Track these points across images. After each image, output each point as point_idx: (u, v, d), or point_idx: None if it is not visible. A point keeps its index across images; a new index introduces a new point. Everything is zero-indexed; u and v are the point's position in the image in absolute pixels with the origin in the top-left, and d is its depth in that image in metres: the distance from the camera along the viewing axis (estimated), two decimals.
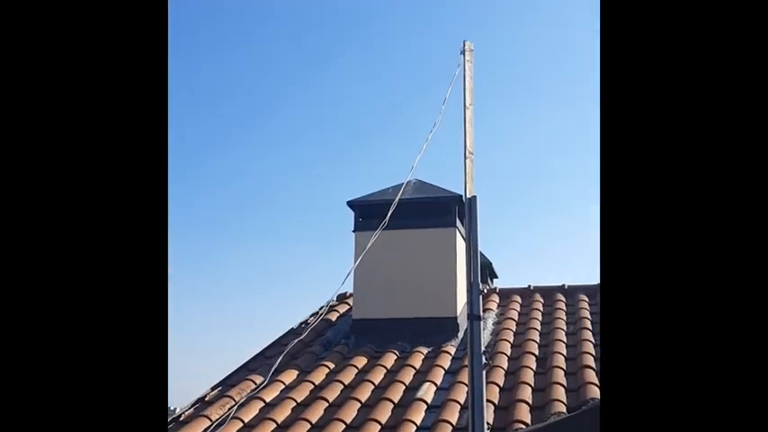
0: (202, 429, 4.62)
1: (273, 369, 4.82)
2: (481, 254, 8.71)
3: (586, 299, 6.96)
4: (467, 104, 3.46)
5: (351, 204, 6.59)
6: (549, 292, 7.30)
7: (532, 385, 5.02)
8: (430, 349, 5.87)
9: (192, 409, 5.02)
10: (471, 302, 3.54)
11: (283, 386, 5.30)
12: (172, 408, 5.26)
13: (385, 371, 5.52)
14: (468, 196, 3.61)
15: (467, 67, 3.51)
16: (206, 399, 5.19)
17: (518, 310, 6.89)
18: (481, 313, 3.61)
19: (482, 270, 8.10)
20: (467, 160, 3.55)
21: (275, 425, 4.70)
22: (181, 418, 4.88)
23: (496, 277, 8.74)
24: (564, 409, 4.64)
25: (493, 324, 6.54)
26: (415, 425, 4.61)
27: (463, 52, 3.53)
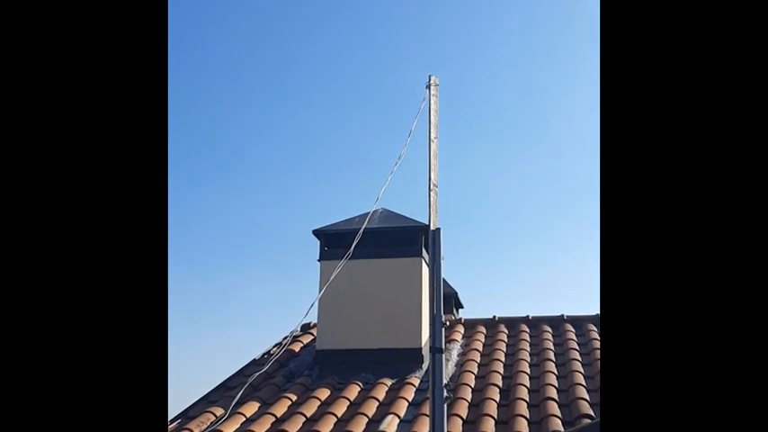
0: None
1: (235, 401, 4.72)
2: (447, 284, 8.71)
3: (550, 330, 7.03)
4: (431, 138, 3.52)
5: (316, 233, 6.56)
6: (513, 323, 7.34)
7: (495, 418, 5.01)
8: (394, 381, 5.82)
9: None
10: (434, 335, 3.54)
11: (244, 419, 5.18)
12: None
13: (348, 403, 5.44)
14: (432, 228, 3.64)
15: (432, 101, 3.57)
16: None
17: (482, 341, 6.90)
18: (444, 345, 3.61)
19: (448, 300, 8.15)
20: (431, 192, 3.59)
21: None
22: None
23: (462, 307, 8.76)
24: None
25: (458, 355, 6.53)
26: None
27: (428, 86, 3.59)
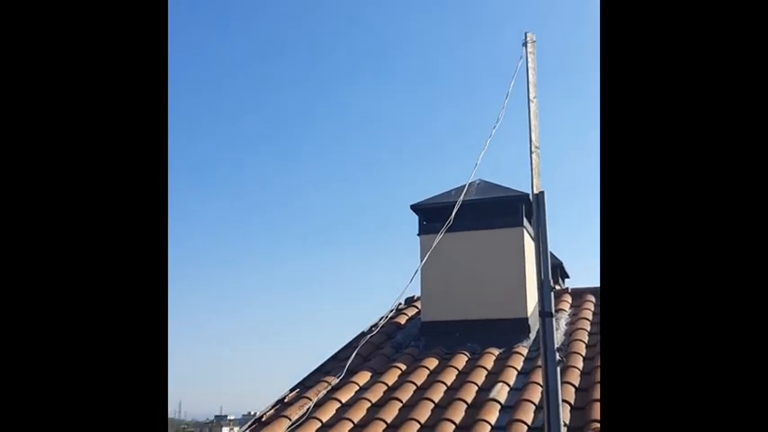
0: (283, 429, 4.77)
1: (346, 370, 4.93)
2: (552, 254, 8.55)
3: None
4: (531, 98, 3.44)
5: (414, 208, 6.63)
6: None
7: None
8: (501, 350, 5.82)
9: (272, 411, 5.19)
10: (542, 299, 3.50)
11: (358, 387, 5.39)
12: (252, 412, 5.42)
13: (456, 372, 5.51)
14: (535, 191, 3.58)
15: (529, 59, 3.49)
16: (285, 400, 5.35)
17: (591, 309, 6.71)
18: (553, 311, 3.56)
19: (553, 270, 7.97)
20: (533, 155, 3.53)
21: (352, 424, 4.79)
22: (263, 419, 5.05)
23: (568, 277, 8.56)
24: None
25: (566, 324, 6.41)
26: (490, 425, 4.59)
27: (525, 44, 3.50)
